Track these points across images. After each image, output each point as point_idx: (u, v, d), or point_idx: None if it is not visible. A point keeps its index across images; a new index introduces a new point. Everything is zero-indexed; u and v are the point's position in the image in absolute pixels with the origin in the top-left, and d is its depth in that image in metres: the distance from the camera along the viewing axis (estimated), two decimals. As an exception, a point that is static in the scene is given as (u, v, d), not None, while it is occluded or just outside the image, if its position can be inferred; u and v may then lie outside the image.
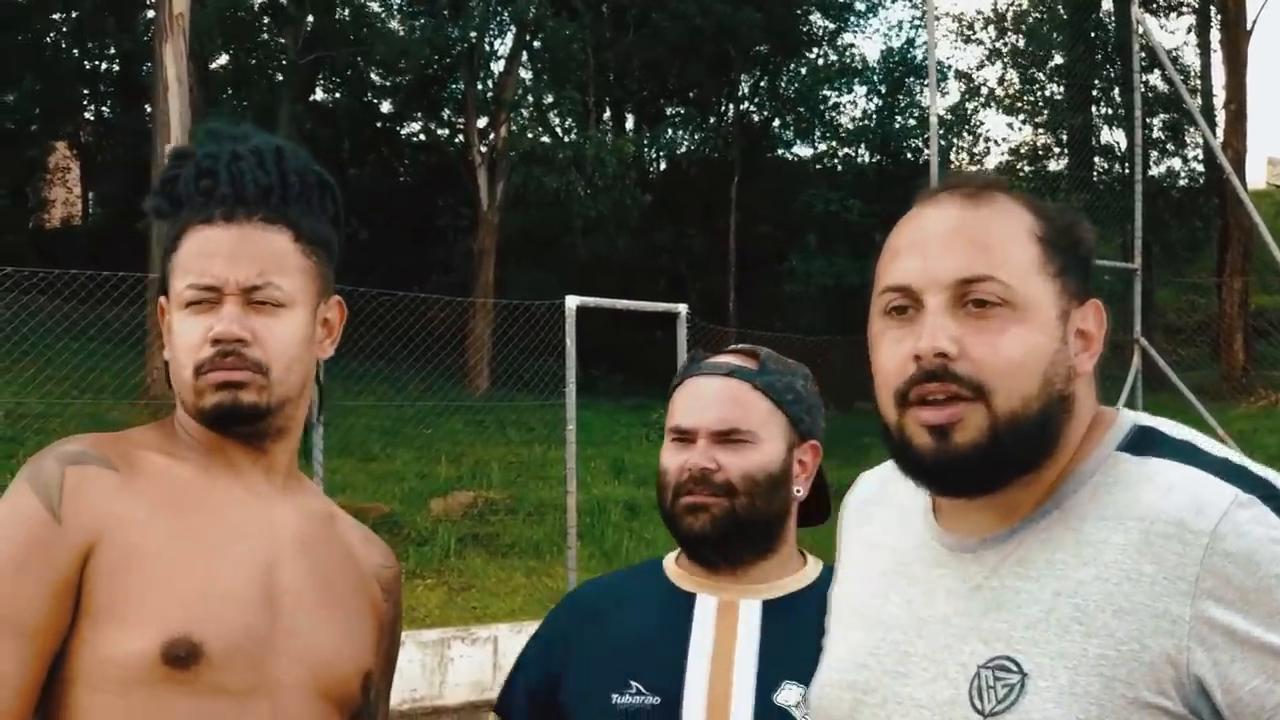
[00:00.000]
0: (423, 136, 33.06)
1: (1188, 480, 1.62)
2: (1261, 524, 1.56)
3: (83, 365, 13.41)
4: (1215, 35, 31.71)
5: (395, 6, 30.85)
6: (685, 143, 34.51)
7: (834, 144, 33.30)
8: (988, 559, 1.73)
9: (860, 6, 34.46)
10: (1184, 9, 33.64)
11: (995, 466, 1.68)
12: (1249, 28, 29.08)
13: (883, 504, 1.96)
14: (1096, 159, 32.96)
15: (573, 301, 11.13)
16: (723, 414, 2.45)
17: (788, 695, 2.34)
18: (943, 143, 27.22)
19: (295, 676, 2.06)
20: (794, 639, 2.36)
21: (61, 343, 13.36)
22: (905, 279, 1.71)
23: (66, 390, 13.09)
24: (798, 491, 2.52)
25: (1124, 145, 31.29)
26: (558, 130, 30.31)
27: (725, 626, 2.42)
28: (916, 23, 34.13)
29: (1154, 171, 31.27)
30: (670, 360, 11.75)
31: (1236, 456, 1.67)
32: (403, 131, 33.53)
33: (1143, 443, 1.71)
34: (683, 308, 11.99)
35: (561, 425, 11.81)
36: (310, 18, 29.16)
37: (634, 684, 2.36)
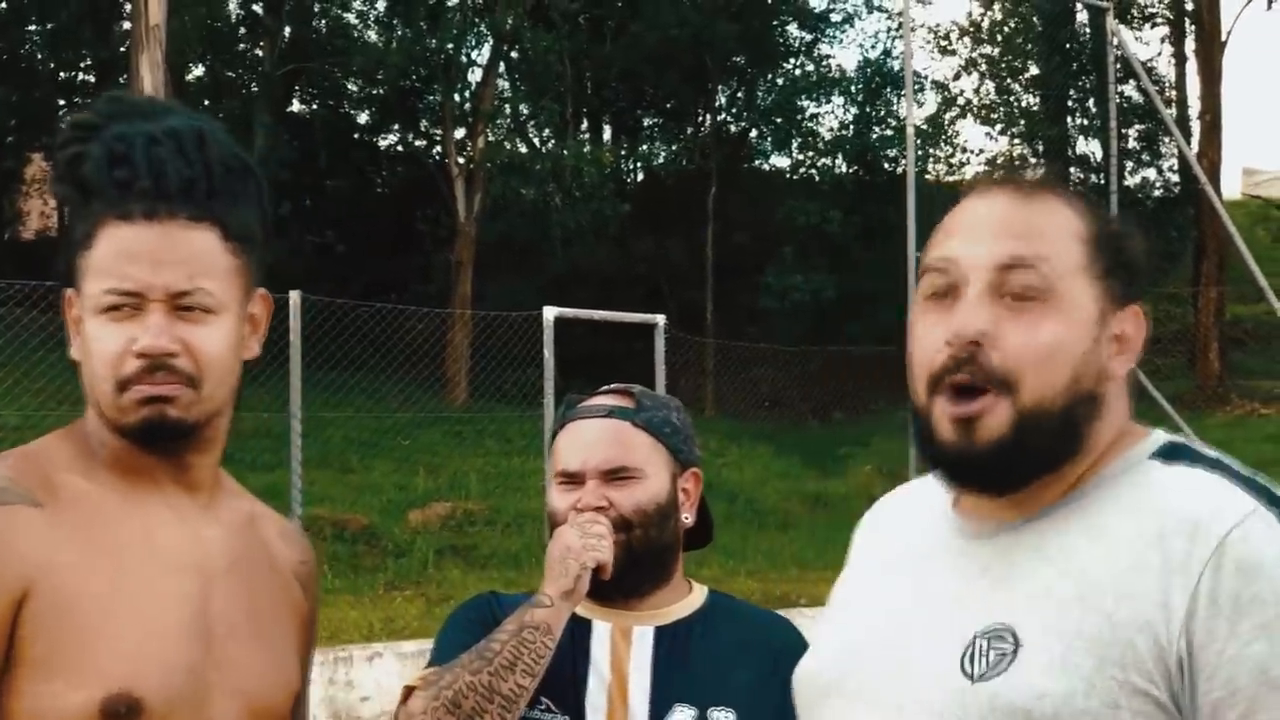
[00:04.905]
0: (400, 148, 33.03)
1: (1212, 485, 1.65)
2: (1274, 540, 1.58)
3: (59, 377, 13.35)
4: (1190, 46, 31.88)
5: (372, 18, 30.86)
6: (662, 153, 34.54)
7: (811, 155, 33.34)
8: (1002, 543, 1.74)
9: (836, 18, 34.47)
10: (1159, 20, 33.79)
11: (1017, 463, 1.70)
12: (1223, 39, 29.23)
13: (900, 510, 1.99)
14: (1072, 169, 33.08)
15: (551, 312, 11.14)
16: (608, 454, 2.53)
17: (679, 718, 2.42)
18: (920, 153, 27.28)
19: (232, 712, 1.99)
20: (684, 663, 2.46)
21: (38, 354, 13.30)
22: (950, 253, 1.74)
23: (44, 402, 13.04)
24: (686, 519, 2.60)
25: (1099, 155, 31.41)
26: (535, 141, 30.31)
27: (620, 652, 2.50)
28: (893, 34, 34.24)
29: (1129, 182, 31.42)
30: (648, 371, 11.76)
31: (1264, 477, 1.69)
32: (380, 143, 33.50)
33: (1173, 453, 1.74)
34: (661, 319, 12.02)
35: (540, 436, 11.83)
36: (287, 29, 29.15)
37: (544, 700, 2.43)
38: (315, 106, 31.95)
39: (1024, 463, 1.70)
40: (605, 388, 2.68)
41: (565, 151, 27.48)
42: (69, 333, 2.02)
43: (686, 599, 2.58)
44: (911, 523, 1.92)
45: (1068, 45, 32.64)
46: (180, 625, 1.93)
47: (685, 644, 2.48)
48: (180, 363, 1.92)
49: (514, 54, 29.34)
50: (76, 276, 1.96)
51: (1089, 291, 1.72)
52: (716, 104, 32.94)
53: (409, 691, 2.40)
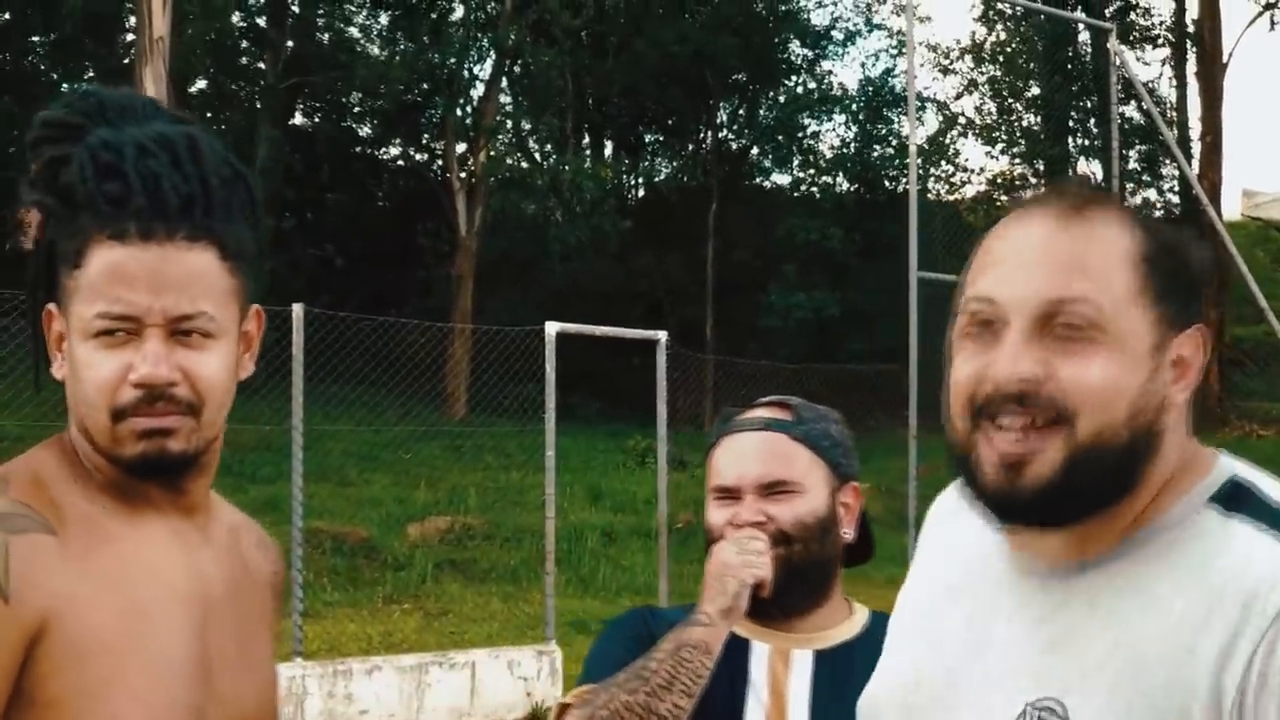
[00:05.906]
0: (401, 161, 33.13)
1: (1269, 551, 1.52)
2: None
3: (59, 388, 13.39)
4: (1191, 67, 31.96)
5: (375, 32, 30.96)
6: (664, 169, 34.62)
7: (812, 172, 33.42)
8: (1054, 592, 1.64)
9: (838, 35, 34.58)
10: (1160, 41, 33.89)
11: (1066, 503, 1.58)
12: (1225, 60, 29.31)
13: (964, 512, 1.82)
14: (1073, 189, 33.09)
15: (553, 328, 11.14)
16: (766, 467, 2.44)
17: None
18: (921, 172, 27.35)
19: None
20: (845, 688, 2.33)
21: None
22: (991, 291, 1.60)
23: (46, 413, 13.05)
24: (846, 534, 2.51)
25: (1100, 176, 31.45)
26: (536, 156, 30.38)
27: (779, 675, 2.43)
28: (894, 52, 34.32)
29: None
30: (649, 387, 11.76)
31: None
32: (382, 156, 33.60)
33: (1233, 500, 1.60)
34: (662, 335, 12.01)
35: (539, 451, 11.83)
36: (290, 42, 29.22)
37: None
38: (318, 120, 32.04)
39: (1073, 503, 1.58)
40: (762, 399, 2.59)
41: (566, 167, 27.54)
42: (50, 351, 1.91)
43: (848, 621, 2.50)
44: (972, 537, 1.80)
45: (1069, 66, 32.73)
46: (184, 662, 1.87)
47: (846, 669, 2.38)
48: (180, 391, 1.82)
49: (516, 69, 29.42)
50: (61, 294, 1.85)
51: (1144, 320, 1.58)
52: (718, 121, 33.04)
53: (563, 709, 2.32)
